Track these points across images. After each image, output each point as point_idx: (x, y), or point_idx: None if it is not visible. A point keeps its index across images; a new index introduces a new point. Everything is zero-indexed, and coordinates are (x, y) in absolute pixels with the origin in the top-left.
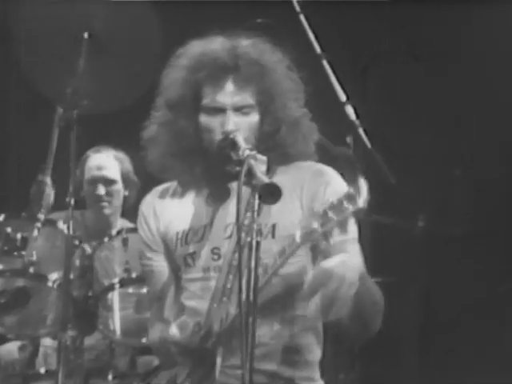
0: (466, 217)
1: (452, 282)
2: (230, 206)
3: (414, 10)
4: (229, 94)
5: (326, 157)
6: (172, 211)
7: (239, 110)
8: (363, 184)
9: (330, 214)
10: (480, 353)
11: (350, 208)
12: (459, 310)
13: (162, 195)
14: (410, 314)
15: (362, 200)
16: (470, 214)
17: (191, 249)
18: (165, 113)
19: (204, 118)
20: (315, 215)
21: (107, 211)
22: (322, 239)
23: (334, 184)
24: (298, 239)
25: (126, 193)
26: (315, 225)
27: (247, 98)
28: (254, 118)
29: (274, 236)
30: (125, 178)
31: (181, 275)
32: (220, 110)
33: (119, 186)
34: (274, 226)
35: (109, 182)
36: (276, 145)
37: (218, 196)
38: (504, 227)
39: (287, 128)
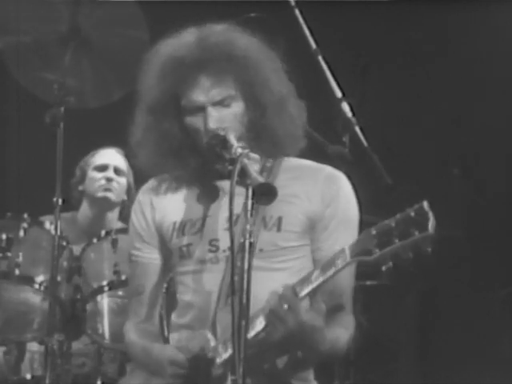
0: (464, 217)
1: (450, 285)
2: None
3: (414, 10)
4: (204, 90)
5: (320, 155)
6: (169, 201)
7: (220, 103)
8: (428, 207)
9: (394, 237)
10: (479, 358)
11: (417, 234)
12: (458, 314)
13: (160, 185)
14: (406, 318)
15: (431, 225)
16: (469, 215)
17: (188, 240)
18: (146, 118)
19: (188, 119)
20: (367, 234)
21: (113, 196)
22: (380, 262)
23: (346, 191)
24: (348, 257)
25: (125, 197)
26: (369, 245)
27: (226, 90)
28: (238, 107)
29: (279, 229)
30: (128, 184)
31: (174, 269)
32: (200, 108)
33: (125, 180)
34: (279, 219)
35: (119, 172)
36: (264, 129)
37: (210, 194)
38: (504, 229)
39: (272, 110)
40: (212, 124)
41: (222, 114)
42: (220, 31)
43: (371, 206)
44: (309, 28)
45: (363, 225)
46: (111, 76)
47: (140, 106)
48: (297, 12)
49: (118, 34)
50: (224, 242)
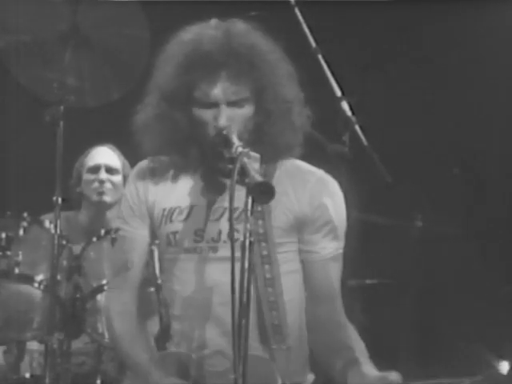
0: (464, 216)
1: (451, 284)
2: (224, 195)
3: (414, 10)
4: (223, 88)
5: (320, 154)
6: (162, 187)
7: (234, 103)
8: None
9: None
10: (480, 357)
11: None
12: (458, 313)
13: (153, 169)
14: (407, 316)
15: None
16: (469, 214)
17: (175, 227)
18: (159, 103)
19: (197, 111)
20: None
21: (108, 199)
22: None
23: (335, 195)
24: None
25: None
26: None
27: (242, 92)
28: (249, 109)
29: None
30: (125, 179)
31: (162, 256)
32: (213, 104)
33: (120, 178)
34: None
35: (111, 171)
36: (265, 135)
37: (203, 185)
38: (504, 227)
39: (278, 118)
40: (223, 122)
41: (234, 114)
42: (245, 32)
43: (370, 204)
44: (308, 27)
45: (362, 223)
46: (111, 75)
47: (153, 91)
48: (297, 10)
49: (118, 33)
50: (209, 232)
